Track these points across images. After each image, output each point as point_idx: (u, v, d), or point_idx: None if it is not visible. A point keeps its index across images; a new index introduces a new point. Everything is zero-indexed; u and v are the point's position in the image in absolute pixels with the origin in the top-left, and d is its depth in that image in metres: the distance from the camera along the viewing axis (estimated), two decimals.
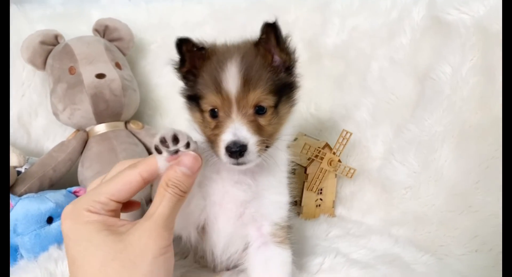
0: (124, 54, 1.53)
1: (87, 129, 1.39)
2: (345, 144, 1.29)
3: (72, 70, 1.34)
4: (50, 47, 1.42)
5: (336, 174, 1.36)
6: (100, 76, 1.33)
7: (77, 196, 1.23)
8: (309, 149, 1.27)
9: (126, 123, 1.46)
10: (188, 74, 0.85)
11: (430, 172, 1.24)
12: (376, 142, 1.40)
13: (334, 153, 1.29)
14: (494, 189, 1.10)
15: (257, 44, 0.80)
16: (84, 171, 1.33)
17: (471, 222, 1.14)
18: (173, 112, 1.69)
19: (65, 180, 1.35)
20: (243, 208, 0.86)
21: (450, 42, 1.23)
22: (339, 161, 1.31)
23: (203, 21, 1.74)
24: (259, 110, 0.79)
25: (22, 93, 1.48)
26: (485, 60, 1.14)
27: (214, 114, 0.80)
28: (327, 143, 1.32)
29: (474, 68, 1.16)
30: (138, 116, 1.59)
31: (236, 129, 0.76)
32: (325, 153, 1.28)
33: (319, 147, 1.29)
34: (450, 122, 1.20)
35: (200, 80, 0.81)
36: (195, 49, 0.80)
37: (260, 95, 0.78)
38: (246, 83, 0.77)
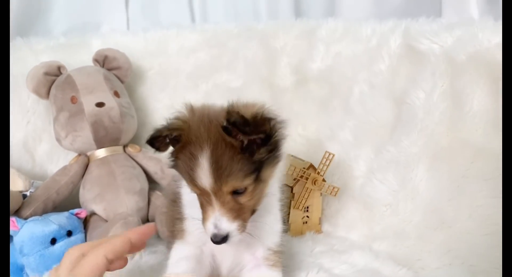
0: (122, 81, 1.63)
1: (88, 153, 1.49)
2: (328, 164, 1.38)
3: (73, 100, 1.45)
4: (53, 78, 1.52)
5: (321, 193, 1.44)
6: (100, 104, 1.44)
7: (78, 218, 1.32)
8: (294, 170, 1.36)
9: (124, 147, 1.56)
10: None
11: (407, 190, 1.32)
12: (358, 162, 1.49)
13: (318, 173, 1.38)
14: (465, 207, 1.18)
15: (227, 129, 0.74)
16: (85, 193, 1.43)
17: (445, 237, 1.22)
18: None
19: (67, 202, 1.45)
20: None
21: (423, 69, 1.33)
22: (324, 180, 1.40)
23: (197, 48, 1.85)
24: (238, 192, 0.79)
25: (28, 120, 1.59)
26: (453, 87, 1.23)
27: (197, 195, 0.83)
28: (311, 164, 1.41)
29: (444, 94, 1.26)
30: (136, 139, 1.68)
31: (217, 220, 0.78)
32: (310, 174, 1.37)
33: (304, 168, 1.38)
34: (424, 143, 1.29)
35: (179, 167, 0.82)
36: (167, 140, 0.80)
37: (234, 184, 0.77)
38: (218, 178, 0.76)
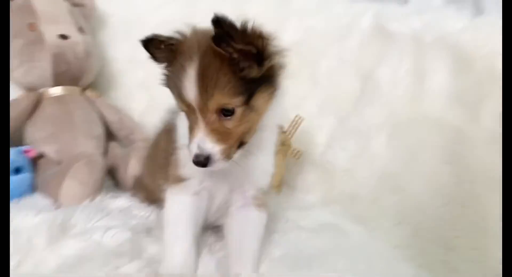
0: (88, 21, 1.50)
1: (41, 90, 1.34)
2: (297, 128, 1.43)
3: (32, 27, 1.30)
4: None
5: (285, 155, 1.48)
6: (64, 37, 1.31)
7: (28, 156, 1.19)
8: None
9: (82, 90, 1.43)
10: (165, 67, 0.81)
11: (366, 157, 1.43)
12: (321, 130, 1.57)
13: (287, 135, 1.42)
14: (418, 172, 1.31)
15: (216, 39, 0.70)
16: (35, 132, 1.29)
17: (397, 200, 1.34)
18: (127, 86, 1.70)
19: (11, 139, 1.28)
20: (236, 178, 0.91)
21: (390, 48, 1.45)
22: (290, 143, 1.45)
23: (166, 2, 1.78)
24: (226, 113, 0.75)
25: None
26: (417, 65, 1.37)
27: (186, 114, 0.79)
28: (282, 125, 1.44)
29: (408, 72, 1.38)
30: (92, 86, 1.56)
31: (200, 139, 0.74)
32: (280, 135, 1.40)
33: None
34: (386, 115, 1.41)
35: (170, 82, 0.79)
36: (163, 45, 0.77)
37: (221, 100, 0.73)
38: (204, 90, 0.72)
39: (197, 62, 0.72)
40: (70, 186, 1.07)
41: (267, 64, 0.76)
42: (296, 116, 1.43)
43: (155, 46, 0.78)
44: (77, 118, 1.30)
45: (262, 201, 0.95)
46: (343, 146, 1.48)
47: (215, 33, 0.69)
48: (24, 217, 0.95)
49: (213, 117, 0.74)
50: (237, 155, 0.80)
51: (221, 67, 0.72)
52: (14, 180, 1.11)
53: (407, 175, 1.34)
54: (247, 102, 0.75)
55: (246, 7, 1.79)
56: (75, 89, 1.39)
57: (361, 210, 1.40)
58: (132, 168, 1.23)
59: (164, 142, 0.99)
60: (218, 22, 0.68)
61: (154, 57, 0.80)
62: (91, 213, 1.01)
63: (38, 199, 1.09)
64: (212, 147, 0.74)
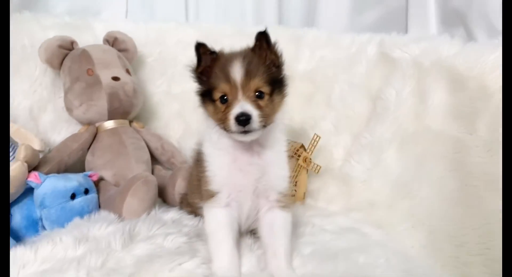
0: (129, 63, 1.76)
1: (97, 124, 1.58)
2: (315, 145, 1.63)
3: (89, 72, 1.55)
4: (66, 51, 1.61)
5: (307, 170, 1.68)
6: (116, 78, 1.56)
7: (92, 180, 1.41)
8: (290, 147, 1.58)
9: (130, 122, 1.67)
10: (202, 74, 1.07)
11: (379, 169, 1.60)
12: (338, 147, 1.76)
13: (307, 152, 1.62)
14: (426, 179, 1.48)
15: (253, 48, 1.05)
16: (94, 160, 1.52)
17: (409, 205, 1.50)
18: (165, 116, 1.94)
19: (75, 167, 1.52)
20: (256, 184, 1.10)
21: (395, 72, 1.65)
22: (310, 159, 1.64)
23: (193, 42, 2.03)
24: (259, 95, 1.01)
25: (34, 90, 1.65)
26: (419, 86, 1.56)
27: (223, 99, 1.02)
28: (302, 144, 1.65)
29: (411, 91, 1.58)
30: (136, 118, 1.80)
31: (242, 105, 0.98)
32: (302, 152, 1.61)
33: (296, 147, 1.61)
34: (394, 131, 1.59)
35: (213, 75, 1.03)
36: (208, 52, 1.04)
37: (258, 82, 1.00)
38: (248, 74, 0.99)
39: (242, 57, 1.01)
40: (131, 203, 1.29)
41: (282, 77, 1.10)
42: (315, 134, 1.63)
43: (202, 51, 1.04)
44: (129, 147, 1.53)
45: (284, 203, 1.13)
46: (358, 159, 1.67)
47: (263, 37, 1.03)
48: (99, 228, 1.16)
49: (251, 94, 1.00)
50: (261, 132, 1.02)
51: (259, 63, 1.03)
52: (86, 199, 1.34)
53: (417, 182, 1.51)
54: (271, 95, 1.04)
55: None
56: (125, 122, 1.63)
57: (378, 216, 1.57)
58: (179, 186, 1.44)
59: (195, 169, 1.20)
60: (265, 33, 1.03)
61: (199, 60, 1.05)
62: (150, 223, 1.22)
63: (105, 214, 1.30)
64: (253, 110, 0.98)
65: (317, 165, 1.66)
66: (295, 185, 1.67)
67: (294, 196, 1.68)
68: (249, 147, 1.10)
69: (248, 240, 1.20)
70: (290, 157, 1.57)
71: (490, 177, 1.31)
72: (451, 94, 1.46)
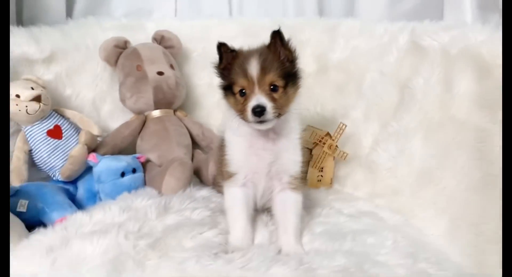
0: (174, 58, 1.97)
1: (146, 113, 1.82)
2: (341, 133, 1.70)
3: (139, 68, 1.79)
4: (120, 50, 1.86)
5: (334, 157, 1.76)
6: (160, 73, 1.77)
7: (139, 161, 1.65)
8: (315, 135, 1.69)
9: (174, 111, 1.89)
10: (224, 70, 1.21)
11: (405, 157, 1.64)
12: (366, 135, 1.81)
13: (333, 140, 1.71)
14: (449, 168, 1.49)
15: (269, 46, 1.17)
16: (142, 144, 1.76)
17: (432, 193, 1.53)
18: (208, 106, 2.13)
19: (127, 150, 1.77)
20: (270, 167, 1.25)
21: (423, 60, 1.65)
22: (336, 146, 1.72)
23: (235, 36, 2.17)
24: (273, 88, 1.14)
25: (96, 84, 1.92)
26: (446, 74, 1.55)
27: (242, 93, 1.15)
28: (328, 132, 1.74)
29: (438, 80, 1.58)
30: (182, 108, 2.02)
31: (258, 98, 1.11)
32: (327, 139, 1.70)
33: (321, 135, 1.70)
34: (420, 119, 1.61)
35: (233, 71, 1.16)
36: (229, 50, 1.18)
37: (273, 77, 1.12)
38: (263, 69, 1.11)
39: (257, 55, 1.14)
40: (169, 181, 1.50)
41: (296, 70, 1.22)
42: (340, 123, 1.71)
43: (223, 50, 1.18)
44: (171, 133, 1.74)
45: (295, 185, 1.25)
46: (385, 148, 1.71)
47: (277, 35, 1.15)
48: (141, 201, 1.38)
49: (266, 87, 1.13)
50: (275, 122, 1.14)
51: (273, 59, 1.15)
52: (133, 177, 1.58)
53: (441, 171, 1.53)
54: (285, 87, 1.15)
55: (299, 34, 2.12)
56: (169, 111, 1.85)
57: (401, 203, 1.62)
58: (211, 168, 1.62)
59: (218, 153, 1.36)
60: (279, 31, 1.15)
61: (220, 58, 1.19)
62: (183, 199, 1.41)
63: (148, 190, 1.53)
64: (268, 103, 1.10)
65: (344, 152, 1.74)
66: (321, 171, 1.77)
67: (320, 181, 1.78)
68: (265, 134, 1.24)
69: (264, 217, 1.34)
70: (315, 144, 1.69)
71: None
72: (476, 83, 1.45)
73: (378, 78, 1.84)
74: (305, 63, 2.08)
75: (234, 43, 2.19)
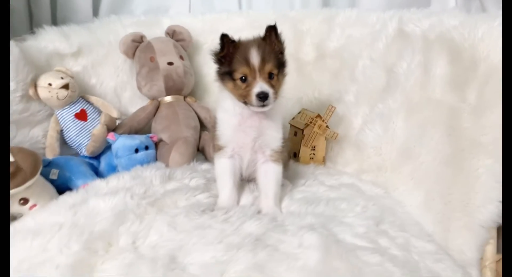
0: (185, 50, 2.20)
1: (159, 99, 2.07)
2: (330, 114, 1.87)
3: (152, 59, 2.04)
4: (137, 44, 2.12)
5: (325, 137, 1.93)
6: (170, 63, 2.02)
7: (152, 140, 1.90)
8: (305, 117, 1.86)
9: (184, 97, 2.13)
10: (223, 58, 1.36)
11: (388, 135, 1.77)
12: (357, 117, 1.96)
13: (323, 121, 1.87)
14: (426, 144, 1.61)
15: (264, 38, 1.35)
16: (156, 126, 2.01)
17: (411, 168, 1.66)
18: (215, 93, 2.34)
19: (143, 130, 2.03)
20: (254, 142, 1.45)
21: (407, 46, 1.77)
22: (327, 127, 1.89)
23: (242, 28, 2.36)
24: (270, 76, 1.32)
25: (117, 74, 2.19)
26: (425, 58, 1.67)
27: (243, 79, 1.32)
28: (319, 114, 1.90)
29: (418, 64, 1.69)
30: (192, 94, 2.25)
31: (261, 85, 1.29)
32: (317, 121, 1.87)
33: (312, 117, 1.87)
34: (402, 101, 1.74)
35: (235, 60, 1.32)
36: (230, 41, 1.33)
37: (271, 66, 1.31)
38: (263, 59, 1.29)
39: (256, 46, 1.31)
40: (174, 156, 1.75)
41: (284, 60, 1.41)
42: (329, 105, 1.87)
43: (226, 40, 1.33)
44: (181, 116, 1.98)
45: (276, 157, 1.45)
46: (371, 128, 1.85)
47: (272, 30, 1.35)
48: (149, 171, 1.62)
49: (266, 75, 1.31)
50: (273, 105, 1.33)
51: (270, 51, 1.33)
52: (146, 154, 1.83)
53: (418, 147, 1.65)
54: (278, 75, 1.35)
55: (300, 25, 2.30)
56: (180, 97, 2.09)
57: (385, 178, 1.77)
58: (213, 147, 1.85)
59: (212, 129, 1.58)
60: (274, 26, 1.35)
61: (222, 47, 1.35)
62: (186, 171, 1.65)
63: (158, 164, 1.78)
64: (269, 89, 1.29)
65: (334, 133, 1.90)
66: (313, 149, 1.94)
67: (312, 159, 1.96)
68: (252, 114, 1.43)
69: (251, 186, 1.55)
70: (306, 125, 1.87)
71: (473, 141, 1.42)
72: (449, 65, 1.56)
73: (368, 64, 1.98)
74: (305, 52, 2.29)
75: (241, 35, 2.41)
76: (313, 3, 2.57)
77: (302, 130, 1.91)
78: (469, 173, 1.43)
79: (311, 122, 1.87)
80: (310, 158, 1.95)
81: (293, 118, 2.00)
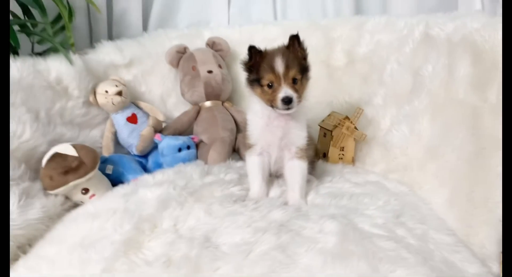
0: (223, 59, 2.40)
1: (200, 104, 2.28)
2: (359, 116, 1.96)
3: (193, 68, 2.25)
4: (181, 54, 2.35)
5: (354, 138, 2.03)
6: (210, 72, 2.22)
7: (193, 141, 2.11)
8: (333, 119, 1.97)
9: (222, 102, 2.32)
10: (252, 67, 1.47)
11: (414, 136, 1.84)
12: (385, 118, 2.04)
13: (351, 122, 1.98)
14: (449, 143, 1.67)
15: (288, 46, 1.45)
16: (197, 128, 2.22)
17: (435, 167, 1.72)
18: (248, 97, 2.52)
19: (186, 132, 2.25)
20: (281, 140, 1.58)
21: (432, 49, 1.84)
22: (355, 128, 1.99)
23: (276, 38, 2.52)
24: (294, 81, 1.42)
25: (163, 82, 2.43)
26: (449, 61, 1.73)
27: (270, 85, 1.43)
28: (347, 116, 2.01)
29: (443, 66, 1.76)
30: (230, 99, 2.44)
31: (285, 90, 1.39)
32: (345, 122, 1.97)
33: (340, 118, 1.98)
34: (427, 102, 1.80)
35: (261, 68, 1.43)
36: (257, 51, 1.44)
37: (294, 72, 1.40)
38: (287, 67, 1.39)
39: (281, 55, 1.42)
40: (212, 155, 1.93)
41: (307, 65, 1.50)
42: (357, 107, 1.97)
43: (253, 51, 1.45)
44: (219, 119, 2.17)
45: (301, 154, 1.57)
46: (398, 128, 1.93)
47: (295, 38, 1.45)
48: (190, 168, 1.82)
49: (290, 81, 1.42)
50: (297, 108, 1.44)
51: (293, 58, 1.43)
52: (188, 153, 2.03)
53: (443, 147, 1.71)
54: (301, 80, 1.45)
55: (332, 32, 2.42)
56: (218, 102, 2.28)
57: (411, 177, 1.83)
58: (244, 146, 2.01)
59: (244, 130, 1.73)
60: (297, 36, 1.45)
61: (250, 57, 1.46)
62: (222, 168, 1.82)
63: (198, 162, 1.97)
64: (293, 94, 1.40)
65: (363, 134, 1.99)
66: (342, 150, 2.04)
67: (341, 159, 2.06)
68: (279, 115, 1.58)
69: (279, 181, 1.69)
70: (335, 126, 1.98)
71: (493, 139, 1.47)
72: (472, 67, 1.62)
73: (396, 68, 2.06)
74: (336, 58, 2.41)
75: (275, 44, 2.58)
76: (346, 11, 2.68)
77: (331, 132, 2.02)
78: (490, 170, 1.48)
79: (339, 124, 1.98)
80: (340, 159, 2.05)
81: (323, 121, 2.11)
